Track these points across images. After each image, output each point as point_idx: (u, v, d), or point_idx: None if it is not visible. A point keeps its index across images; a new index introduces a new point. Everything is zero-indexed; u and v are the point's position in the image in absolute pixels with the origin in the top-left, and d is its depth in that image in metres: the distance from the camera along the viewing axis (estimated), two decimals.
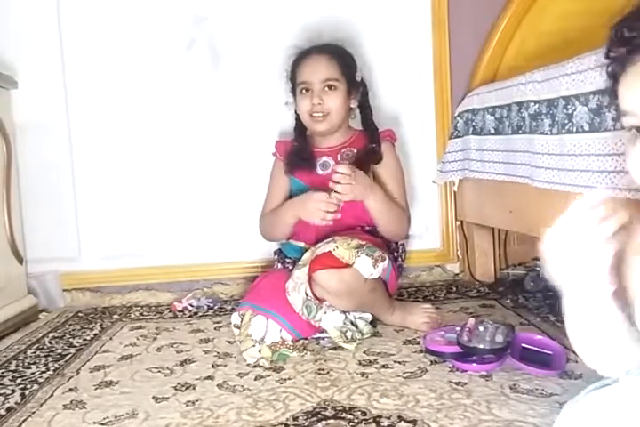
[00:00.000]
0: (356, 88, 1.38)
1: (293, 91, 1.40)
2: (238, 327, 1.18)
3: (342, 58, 1.36)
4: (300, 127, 1.43)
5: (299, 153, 1.40)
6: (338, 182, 1.22)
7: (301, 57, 1.37)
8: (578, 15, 1.59)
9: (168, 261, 1.66)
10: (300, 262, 1.21)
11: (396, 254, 1.36)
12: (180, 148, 1.66)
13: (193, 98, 1.65)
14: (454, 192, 1.67)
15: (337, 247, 1.12)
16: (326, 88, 1.32)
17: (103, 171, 1.65)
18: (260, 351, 1.10)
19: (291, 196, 1.41)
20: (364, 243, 1.16)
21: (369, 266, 1.12)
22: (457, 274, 1.72)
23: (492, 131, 1.39)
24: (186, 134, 1.66)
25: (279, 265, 1.40)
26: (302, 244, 1.36)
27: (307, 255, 1.20)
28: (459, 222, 1.70)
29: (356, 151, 1.38)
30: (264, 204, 1.46)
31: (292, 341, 1.14)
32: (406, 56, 1.68)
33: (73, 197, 1.65)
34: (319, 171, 1.39)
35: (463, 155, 1.55)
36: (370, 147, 1.36)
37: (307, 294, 1.15)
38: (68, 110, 1.63)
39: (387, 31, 1.67)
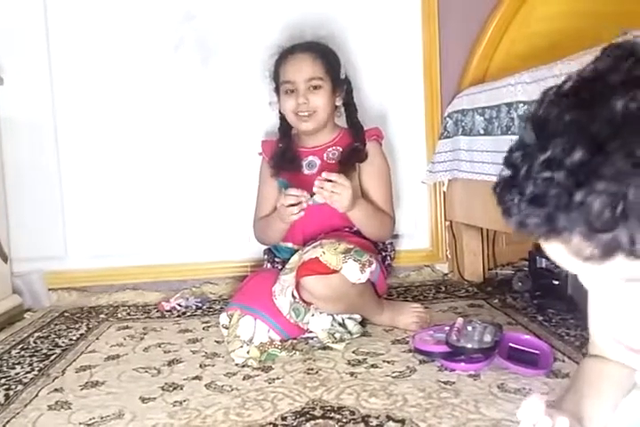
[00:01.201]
0: (341, 86, 1.38)
1: (277, 90, 1.38)
2: (227, 328, 1.17)
3: (326, 56, 1.35)
4: (284, 127, 1.42)
5: (283, 154, 1.39)
6: (320, 187, 1.17)
7: (284, 56, 1.36)
8: (567, 17, 1.61)
9: (156, 260, 1.65)
10: (287, 266, 1.20)
11: (384, 254, 1.36)
12: (169, 146, 1.65)
13: (181, 96, 1.64)
14: (443, 192, 1.67)
15: (324, 253, 1.11)
16: (311, 87, 1.32)
17: (90, 169, 1.63)
18: (248, 352, 1.10)
19: None
20: (351, 247, 1.15)
21: (356, 271, 1.12)
22: (446, 274, 1.72)
23: (482, 131, 1.40)
24: (174, 133, 1.65)
25: (269, 265, 1.39)
26: (290, 244, 1.35)
27: (294, 259, 1.19)
28: (448, 223, 1.70)
29: (341, 150, 1.37)
30: (256, 207, 1.45)
31: (281, 341, 1.13)
32: (396, 56, 1.68)
33: (59, 195, 1.63)
34: (305, 171, 1.38)
35: (452, 155, 1.56)
36: (354, 145, 1.36)
37: (294, 297, 1.14)
38: (54, 108, 1.61)
39: (376, 31, 1.67)
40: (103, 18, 1.60)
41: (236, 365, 1.08)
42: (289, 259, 1.24)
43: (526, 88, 1.17)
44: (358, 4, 1.66)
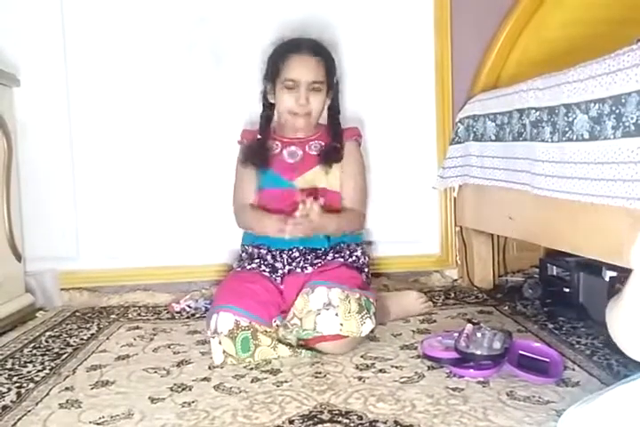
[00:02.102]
0: (334, 89, 1.42)
1: (271, 81, 1.39)
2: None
3: (329, 61, 1.39)
4: (267, 116, 1.44)
5: (256, 150, 1.40)
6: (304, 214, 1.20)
7: (289, 52, 1.36)
8: (581, 23, 1.60)
9: (167, 261, 1.66)
10: (293, 311, 1.16)
11: (366, 271, 1.36)
12: (181, 148, 1.66)
13: (194, 98, 1.65)
14: (454, 198, 1.67)
15: (342, 325, 1.11)
16: (312, 89, 1.35)
17: (103, 170, 1.65)
18: (220, 343, 1.11)
19: (259, 184, 1.40)
20: (358, 296, 1.16)
21: (372, 325, 1.16)
22: (455, 280, 1.72)
23: (493, 137, 1.40)
24: (187, 134, 1.66)
25: (243, 254, 1.38)
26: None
27: (299, 304, 1.16)
28: (458, 228, 1.70)
29: (323, 144, 1.41)
30: (234, 192, 1.44)
31: (251, 323, 1.13)
32: (408, 62, 1.69)
33: (73, 196, 1.65)
34: (288, 159, 1.40)
35: (463, 161, 1.56)
36: (333, 145, 1.40)
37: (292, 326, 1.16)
38: (69, 109, 1.63)
39: (389, 35, 1.68)
40: (118, 21, 1.62)
41: (245, 367, 1.09)
42: (266, 245, 1.29)
43: (538, 94, 1.17)
44: (371, 10, 1.67)
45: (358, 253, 1.35)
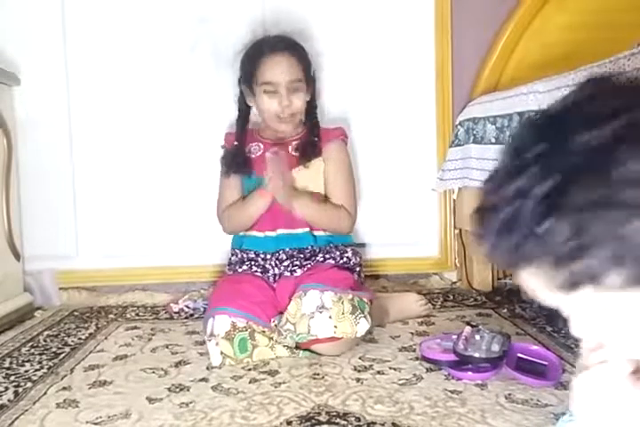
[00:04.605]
0: (311, 84, 1.39)
1: (247, 85, 1.36)
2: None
3: (302, 55, 1.36)
4: (242, 120, 1.41)
5: (235, 156, 1.38)
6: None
7: (261, 54, 1.32)
8: (582, 27, 1.61)
9: (165, 261, 1.66)
10: (286, 316, 1.15)
11: (357, 270, 1.35)
12: (181, 148, 1.66)
13: (194, 99, 1.65)
14: (453, 200, 1.67)
15: (336, 327, 1.11)
16: (292, 89, 1.32)
17: (103, 170, 1.65)
18: (217, 344, 1.10)
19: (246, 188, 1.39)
20: (351, 297, 1.15)
21: (367, 324, 1.15)
22: (454, 282, 1.72)
23: (493, 140, 1.40)
24: (186, 135, 1.66)
25: (233, 258, 1.37)
26: (259, 233, 1.34)
27: (292, 308, 1.14)
28: (457, 231, 1.70)
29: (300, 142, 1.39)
30: (219, 199, 1.43)
31: (248, 323, 1.13)
32: (409, 63, 1.69)
33: (72, 195, 1.65)
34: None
35: (463, 163, 1.56)
36: (310, 139, 1.37)
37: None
38: (69, 109, 1.63)
39: (390, 39, 1.68)
40: (119, 21, 1.63)
41: (243, 368, 1.09)
42: (256, 253, 1.30)
43: (539, 97, 1.17)
44: (371, 12, 1.67)
45: (349, 253, 1.33)
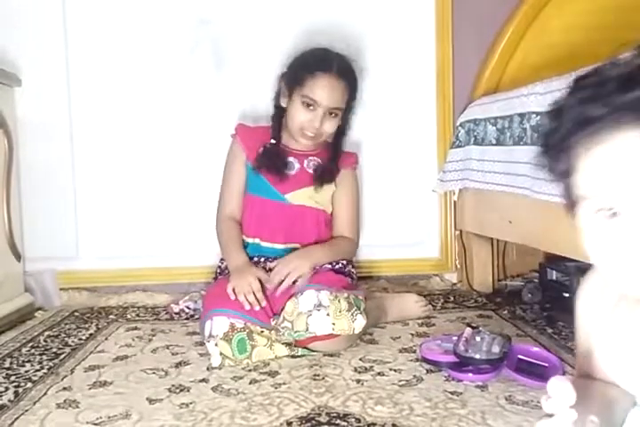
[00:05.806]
0: (349, 112, 1.41)
1: (290, 87, 1.34)
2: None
3: (354, 87, 1.37)
4: (279, 120, 1.41)
5: (277, 156, 1.38)
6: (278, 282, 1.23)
7: (319, 69, 1.30)
8: (582, 29, 1.61)
9: (166, 262, 1.66)
10: (284, 316, 1.16)
11: (352, 271, 1.39)
12: (181, 149, 1.67)
13: (195, 100, 1.65)
14: (454, 202, 1.67)
15: (334, 324, 1.12)
16: (330, 114, 1.33)
17: (104, 171, 1.65)
18: (216, 345, 1.11)
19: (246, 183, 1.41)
20: (347, 295, 1.16)
21: (364, 321, 1.15)
22: (455, 283, 1.72)
23: (494, 141, 1.40)
24: (187, 136, 1.66)
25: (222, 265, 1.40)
26: (270, 244, 1.38)
27: (289, 307, 1.16)
28: (458, 232, 1.70)
29: (320, 162, 1.41)
30: (221, 196, 1.44)
31: (246, 324, 1.14)
32: (410, 65, 1.69)
33: (73, 196, 1.65)
34: (284, 169, 1.39)
35: (464, 164, 1.56)
36: (329, 167, 1.40)
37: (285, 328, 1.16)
38: (70, 109, 1.63)
39: (390, 41, 1.68)
40: (120, 22, 1.63)
41: (243, 369, 1.09)
42: (266, 257, 1.31)
43: (539, 99, 1.17)
44: (372, 13, 1.68)
45: (344, 260, 1.37)
